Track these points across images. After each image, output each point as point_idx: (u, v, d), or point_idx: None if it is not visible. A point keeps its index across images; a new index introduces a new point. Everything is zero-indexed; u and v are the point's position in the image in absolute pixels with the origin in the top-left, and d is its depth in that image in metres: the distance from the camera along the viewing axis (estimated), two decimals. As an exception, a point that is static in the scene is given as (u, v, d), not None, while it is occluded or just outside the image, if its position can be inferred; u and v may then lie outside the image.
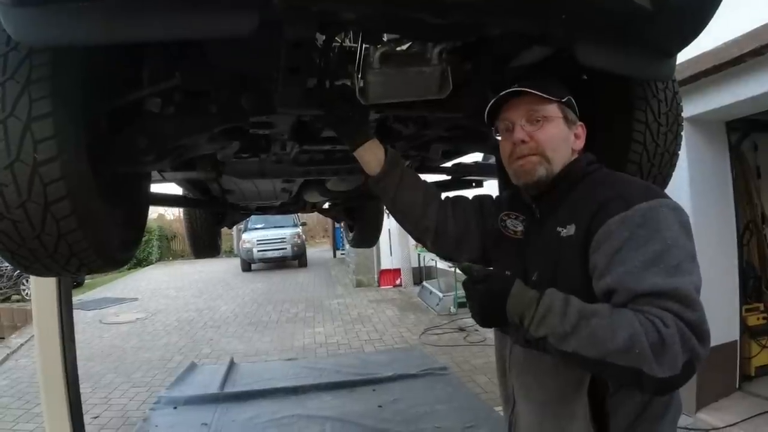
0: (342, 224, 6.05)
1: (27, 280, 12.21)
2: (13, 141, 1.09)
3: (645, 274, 1.07)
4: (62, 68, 1.14)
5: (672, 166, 1.73)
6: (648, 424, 1.20)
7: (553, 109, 1.32)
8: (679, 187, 4.05)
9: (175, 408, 4.56)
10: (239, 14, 1.00)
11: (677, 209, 1.16)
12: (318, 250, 23.43)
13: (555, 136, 1.31)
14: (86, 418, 3.36)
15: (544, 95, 1.29)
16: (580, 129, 1.36)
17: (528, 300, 1.16)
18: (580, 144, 1.36)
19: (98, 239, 1.28)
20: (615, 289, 1.10)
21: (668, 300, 1.04)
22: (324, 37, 1.32)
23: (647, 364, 1.01)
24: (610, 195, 1.19)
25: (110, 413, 5.24)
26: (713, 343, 1.08)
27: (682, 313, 1.03)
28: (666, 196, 1.19)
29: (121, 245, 1.51)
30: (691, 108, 4.03)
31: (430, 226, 1.54)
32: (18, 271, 12.22)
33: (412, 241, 11.63)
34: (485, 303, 1.23)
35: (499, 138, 1.40)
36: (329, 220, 17.56)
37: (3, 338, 9.45)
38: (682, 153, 1.74)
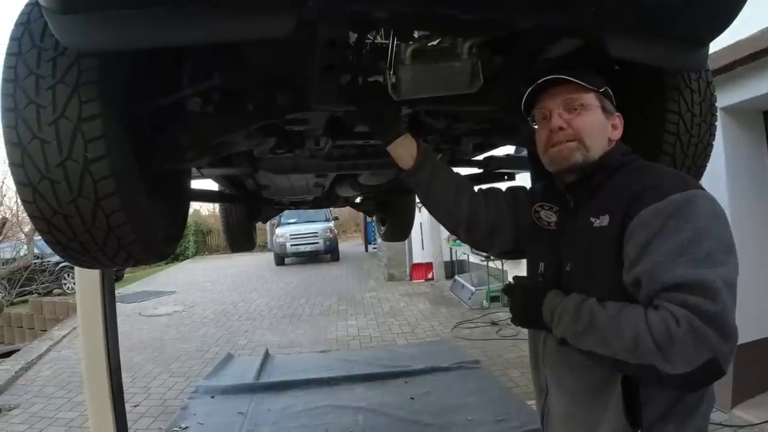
0: (374, 218, 6.08)
1: (68, 275, 12.63)
2: (64, 140, 1.14)
3: (671, 264, 1.07)
4: (109, 71, 1.19)
5: (706, 157, 1.71)
6: (681, 416, 1.20)
7: (590, 98, 1.32)
8: (717, 178, 3.97)
9: (213, 397, 4.67)
10: (277, 16, 1.03)
11: (712, 200, 1.15)
12: (350, 245, 23.55)
13: (593, 124, 1.31)
14: (127, 407, 3.46)
15: (582, 83, 1.30)
16: (618, 120, 1.36)
17: (555, 302, 1.24)
18: (617, 134, 1.36)
19: (145, 233, 1.34)
20: (641, 279, 1.11)
21: (689, 293, 1.03)
22: (356, 35, 1.35)
23: (658, 362, 1.03)
24: (645, 185, 1.19)
25: (150, 402, 5.39)
26: (749, 339, 1.07)
27: (701, 306, 1.02)
28: (701, 188, 1.18)
29: (166, 238, 1.57)
30: (727, 97, 3.94)
31: (463, 217, 1.55)
32: (60, 266, 12.60)
33: (444, 235, 11.58)
34: (525, 304, 1.34)
35: (536, 127, 1.41)
36: (361, 215, 17.65)
37: (45, 330, 9.72)
38: (719, 143, 1.72)
